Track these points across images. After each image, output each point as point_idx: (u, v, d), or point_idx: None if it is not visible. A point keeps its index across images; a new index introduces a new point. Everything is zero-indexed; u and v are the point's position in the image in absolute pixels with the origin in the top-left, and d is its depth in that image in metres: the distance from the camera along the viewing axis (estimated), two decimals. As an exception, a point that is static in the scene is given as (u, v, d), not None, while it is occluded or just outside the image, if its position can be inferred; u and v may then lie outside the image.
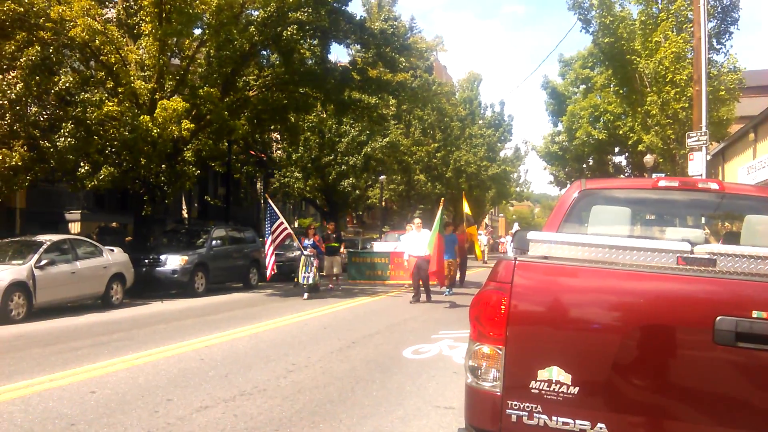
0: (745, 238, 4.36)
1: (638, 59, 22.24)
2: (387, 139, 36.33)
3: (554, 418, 2.95)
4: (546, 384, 2.97)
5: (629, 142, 31.40)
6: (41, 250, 13.82)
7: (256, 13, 20.61)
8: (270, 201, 18.01)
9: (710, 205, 5.23)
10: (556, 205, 5.21)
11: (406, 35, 25.48)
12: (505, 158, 58.25)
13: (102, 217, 28.32)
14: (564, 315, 3.09)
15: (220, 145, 24.83)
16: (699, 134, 16.12)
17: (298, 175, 35.38)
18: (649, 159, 28.22)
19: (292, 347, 9.27)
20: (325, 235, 20.14)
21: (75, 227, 26.57)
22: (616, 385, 2.93)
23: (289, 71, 21.60)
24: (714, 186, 4.87)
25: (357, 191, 37.96)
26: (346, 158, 34.57)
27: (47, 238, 14.58)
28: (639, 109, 23.89)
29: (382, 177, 40.17)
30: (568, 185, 5.50)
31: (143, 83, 18.21)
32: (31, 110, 16.59)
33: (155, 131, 17.11)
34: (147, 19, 17.94)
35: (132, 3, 20.62)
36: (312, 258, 16.99)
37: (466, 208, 22.30)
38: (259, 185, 40.89)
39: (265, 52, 23.27)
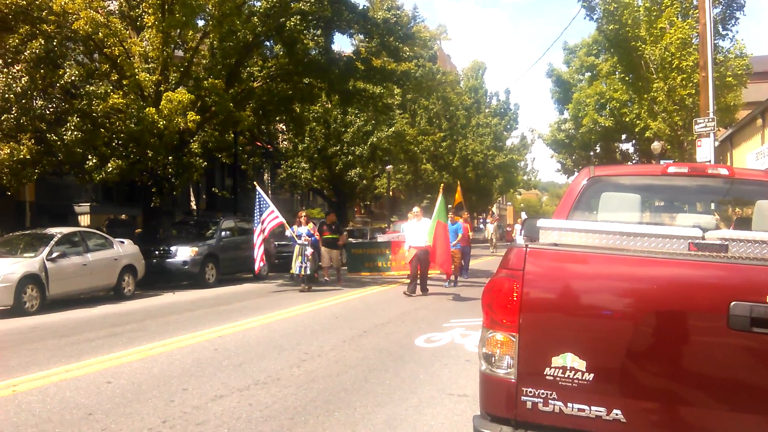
0: (757, 223, 4.37)
1: (644, 46, 22.13)
2: (392, 129, 36.30)
3: (569, 404, 2.98)
4: (560, 370, 2.99)
5: (636, 129, 31.30)
6: (52, 242, 13.93)
7: (259, 3, 20.65)
8: (259, 188, 16.83)
9: (720, 190, 5.23)
10: (565, 192, 5.22)
11: (409, 24, 25.40)
12: (511, 147, 58.24)
13: (111, 210, 28.49)
14: (577, 301, 3.12)
15: (226, 137, 24.90)
16: (706, 120, 16.06)
17: (304, 165, 35.42)
18: (656, 146, 28.15)
19: (304, 337, 9.33)
20: (324, 225, 19.14)
21: (84, 220, 26.71)
22: (631, 371, 2.95)
23: (293, 62, 21.62)
24: (724, 171, 4.88)
25: (364, 181, 38.00)
26: (353, 148, 34.58)
27: (58, 231, 14.70)
28: (645, 95, 23.80)
29: (389, 167, 40.18)
30: (576, 173, 5.53)
31: (148, 75, 18.25)
32: (37, 103, 16.64)
33: (161, 123, 17.17)
34: (150, 11, 17.96)
35: (135, -6, 20.62)
36: (306, 246, 16.19)
37: (459, 197, 22.15)
38: (266, 176, 40.96)
39: (268, 43, 23.27)
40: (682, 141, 22.54)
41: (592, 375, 2.95)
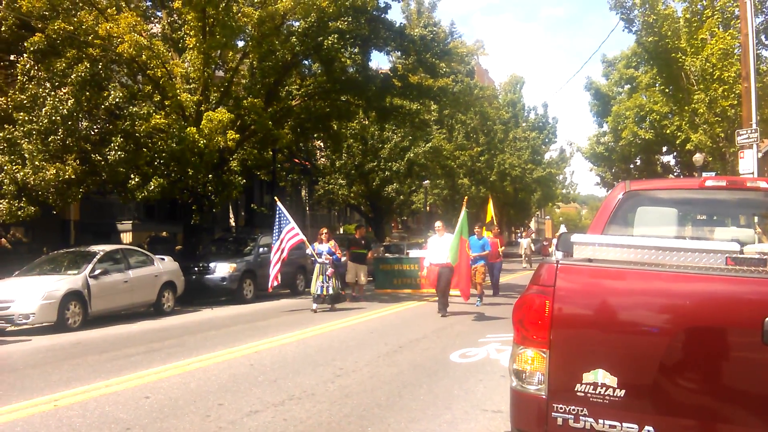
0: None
1: (684, 57, 21.78)
2: (429, 144, 36.30)
3: (600, 421, 2.95)
4: (591, 387, 2.97)
5: (677, 142, 30.73)
6: (95, 260, 14.24)
7: (297, 23, 20.90)
8: (279, 204, 16.27)
9: (761, 204, 5.13)
10: (601, 207, 5.18)
11: (446, 40, 25.50)
12: (550, 160, 57.73)
13: (152, 227, 29.01)
14: (609, 317, 3.09)
15: (264, 154, 25.21)
16: (749, 132, 15.73)
17: (342, 182, 35.61)
18: (698, 158, 27.59)
19: (339, 352, 9.36)
20: (353, 240, 19.03)
21: (127, 237, 27.27)
22: (664, 387, 2.91)
23: (330, 80, 21.82)
24: (764, 185, 4.79)
25: (401, 196, 38.02)
26: (390, 164, 34.65)
27: (101, 249, 15.02)
28: (686, 107, 23.38)
29: (426, 182, 40.14)
30: (614, 187, 5.46)
31: (189, 96, 18.64)
32: (82, 125, 17.06)
33: (202, 142, 17.49)
34: (191, 33, 18.36)
35: (176, 18, 21.12)
36: (327, 266, 15.30)
37: (491, 212, 21.55)
38: (304, 193, 41.29)
39: (306, 62, 23.54)
40: (724, 153, 22.07)
41: (623, 391, 2.92)
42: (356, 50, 22.23)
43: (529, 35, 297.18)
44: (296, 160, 35.40)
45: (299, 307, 16.41)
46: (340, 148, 30.57)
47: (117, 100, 17.23)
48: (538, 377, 3.11)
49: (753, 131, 15.71)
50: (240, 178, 20.56)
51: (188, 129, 17.51)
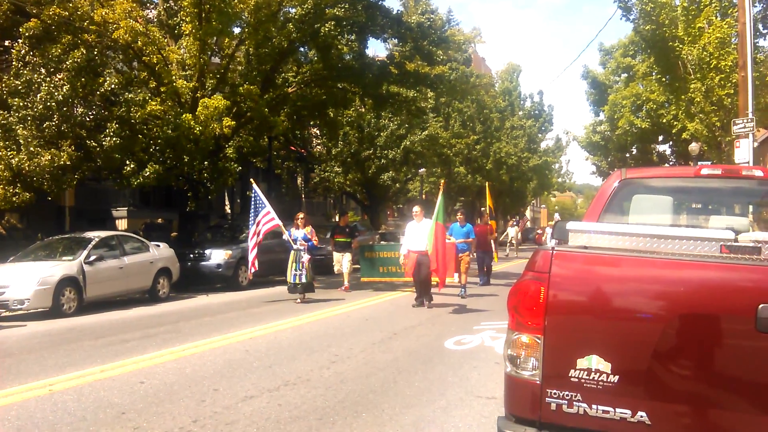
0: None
1: (681, 46, 21.75)
2: (426, 132, 36.27)
3: (594, 406, 2.96)
4: (585, 372, 2.98)
5: (673, 131, 30.83)
6: (90, 246, 14.23)
7: (294, 10, 20.83)
8: (255, 186, 15.40)
9: (756, 192, 5.14)
10: (596, 194, 5.18)
11: (443, 28, 25.52)
12: (546, 149, 57.69)
13: (147, 214, 28.99)
14: (603, 304, 3.10)
15: (260, 142, 25.17)
16: (745, 121, 15.73)
17: (338, 169, 35.58)
18: (694, 147, 27.68)
19: (334, 339, 9.38)
20: (338, 228, 18.02)
21: (122, 224, 27.24)
22: (657, 373, 2.93)
23: (327, 67, 21.78)
24: (759, 173, 4.79)
25: (397, 184, 38.00)
26: (386, 152, 34.62)
27: (96, 235, 15.01)
28: (682, 96, 23.38)
29: (422, 170, 40.14)
30: (609, 175, 5.48)
31: (185, 82, 18.58)
32: (77, 111, 17.00)
33: (197, 129, 17.45)
34: (187, 20, 18.28)
35: (172, 4, 21.03)
36: (302, 253, 14.46)
37: (490, 201, 20.84)
38: (299, 180, 41.26)
39: (303, 49, 23.50)
40: (720, 142, 22.10)
41: (617, 377, 2.93)
42: (353, 37, 22.19)
43: (526, 23, 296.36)
44: (292, 148, 35.35)
45: (294, 294, 16.44)
46: (336, 135, 30.53)
47: (112, 86, 17.18)
48: (533, 363, 3.12)
49: (749, 120, 15.70)
50: (236, 165, 20.54)
51: (184, 116, 17.49)
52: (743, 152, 15.73)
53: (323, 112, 24.35)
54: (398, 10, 24.18)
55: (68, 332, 10.65)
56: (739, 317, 2.82)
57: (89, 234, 15.19)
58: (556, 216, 47.84)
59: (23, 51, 16.23)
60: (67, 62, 16.14)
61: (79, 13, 16.53)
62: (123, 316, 12.86)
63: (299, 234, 14.68)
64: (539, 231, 50.75)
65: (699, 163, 21.98)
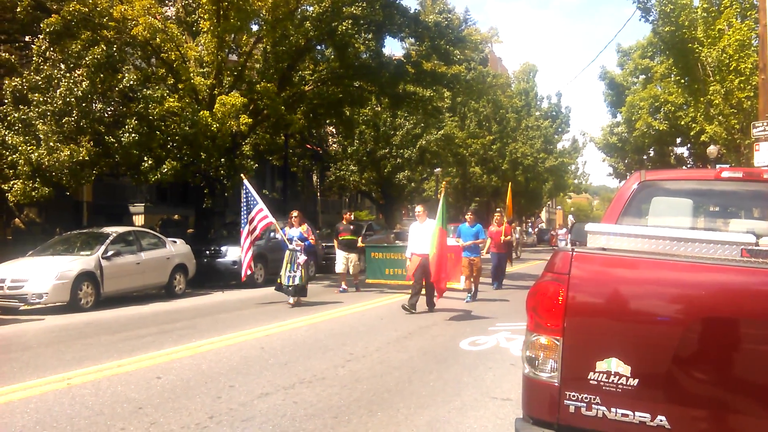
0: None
1: (700, 48, 21.58)
2: (442, 132, 36.21)
3: (613, 409, 2.95)
4: (605, 375, 2.97)
5: (691, 133, 30.57)
6: (108, 241, 14.34)
7: (311, 8, 20.88)
8: (246, 182, 14.44)
9: (778, 196, 5.08)
10: (615, 196, 5.16)
11: (460, 27, 25.45)
12: (562, 150, 57.48)
13: (164, 210, 29.17)
14: (623, 306, 3.08)
15: (277, 139, 25.25)
16: (765, 124, 15.55)
17: (353, 168, 35.61)
18: (712, 150, 27.42)
19: (349, 337, 9.40)
20: (342, 226, 17.08)
21: (139, 219, 27.42)
22: (677, 377, 2.91)
23: (344, 65, 21.80)
24: (781, 177, 4.74)
25: (412, 184, 37.99)
26: (401, 151, 34.62)
27: (113, 230, 15.13)
28: (701, 98, 23.20)
29: (438, 170, 40.09)
30: (628, 177, 5.45)
31: (202, 79, 18.67)
32: (96, 107, 17.12)
33: (214, 126, 17.54)
34: (205, 17, 18.37)
35: (191, 1, 21.12)
36: (298, 253, 13.58)
37: (510, 203, 19.41)
38: (315, 179, 41.34)
39: (320, 47, 23.53)
40: (739, 145, 21.91)
41: (636, 381, 2.92)
42: (370, 36, 22.19)
43: (543, 23, 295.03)
44: (308, 146, 35.43)
45: (310, 292, 16.45)
46: (352, 134, 30.58)
47: (131, 82, 17.28)
48: (551, 365, 3.11)
49: (769, 123, 15.54)
50: (252, 163, 20.61)
51: (201, 112, 17.57)
52: (763, 155, 15.56)
53: (339, 111, 24.38)
54: (415, 9, 24.20)
55: (85, 327, 10.75)
56: (759, 321, 2.80)
57: (107, 229, 15.32)
58: (570, 218, 47.61)
59: (43, 47, 16.38)
60: (87, 58, 16.26)
61: (98, 9, 16.66)
62: (139, 311, 12.95)
63: (295, 233, 13.82)
64: (553, 233, 50.61)
65: (718, 166, 21.77)
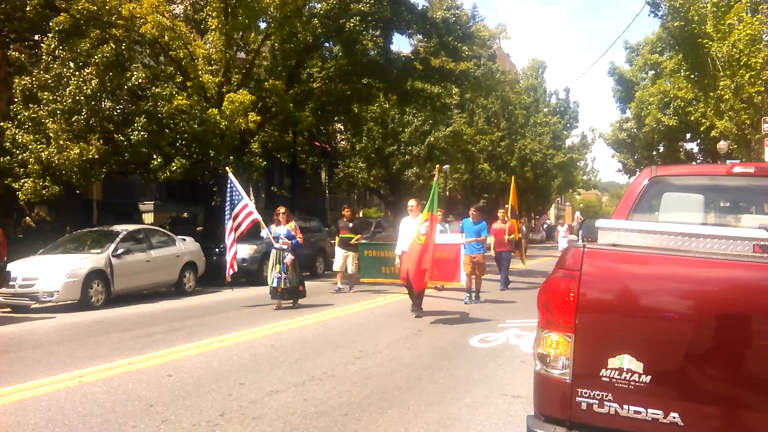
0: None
1: (710, 43, 21.46)
2: (450, 129, 36.14)
3: (625, 406, 2.94)
4: (617, 372, 2.95)
5: (701, 129, 30.45)
6: (118, 239, 14.39)
7: (319, 5, 20.89)
8: (231, 175, 13.52)
9: (791, 192, 5.04)
10: (626, 192, 5.13)
11: (468, 24, 25.30)
12: (571, 146, 57.32)
13: (174, 208, 29.25)
14: (635, 303, 3.07)
15: (285, 137, 25.27)
16: (776, 119, 15.49)
17: (361, 165, 35.61)
18: (722, 145, 27.28)
19: (359, 334, 9.40)
20: (342, 223, 16.36)
21: (148, 217, 27.52)
22: (690, 374, 2.89)
23: (351, 62, 21.79)
24: (793, 172, 4.70)
25: (421, 180, 37.96)
26: (410, 148, 34.57)
27: (123, 228, 15.18)
28: (711, 93, 23.08)
29: (446, 166, 40.01)
30: (638, 173, 5.42)
31: (211, 77, 18.71)
32: (105, 105, 17.18)
33: (223, 124, 17.58)
34: (213, 15, 18.40)
35: (199, -1, 21.16)
36: (285, 252, 12.66)
37: (514, 198, 17.82)
38: (323, 176, 41.36)
39: (328, 44, 23.52)
40: (750, 140, 21.79)
41: (649, 377, 2.90)
42: (378, 33, 22.17)
43: (552, 19, 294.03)
44: (316, 143, 35.45)
45: (318, 289, 16.42)
46: (361, 131, 30.57)
47: (140, 81, 17.34)
48: (563, 361, 3.10)
49: (780, 118, 15.46)
50: (261, 160, 20.65)
51: (210, 110, 17.61)
52: (774, 150, 15.48)
53: (347, 108, 24.39)
54: (423, 6, 24.13)
55: (96, 324, 10.79)
56: (773, 318, 2.77)
57: (117, 227, 15.36)
58: (577, 214, 47.45)
59: (53, 45, 16.45)
60: (96, 57, 16.32)
61: (107, 7, 16.71)
62: (150, 309, 13.00)
63: (281, 231, 12.83)
64: (559, 229, 50.48)
65: (728, 161, 21.64)
